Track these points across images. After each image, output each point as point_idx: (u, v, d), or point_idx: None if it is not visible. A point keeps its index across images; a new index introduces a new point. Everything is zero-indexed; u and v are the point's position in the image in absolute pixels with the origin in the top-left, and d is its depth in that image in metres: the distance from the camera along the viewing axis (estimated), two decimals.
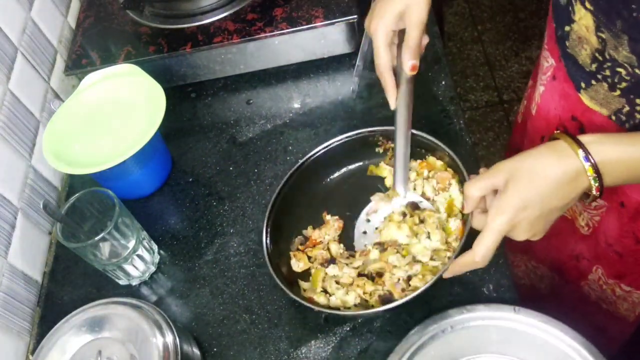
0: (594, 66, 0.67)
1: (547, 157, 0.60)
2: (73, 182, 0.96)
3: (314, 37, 0.96)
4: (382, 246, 0.75)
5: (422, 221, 0.76)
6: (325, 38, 0.96)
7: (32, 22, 0.96)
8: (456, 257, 0.66)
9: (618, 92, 0.66)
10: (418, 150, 0.82)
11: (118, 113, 0.87)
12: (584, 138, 0.59)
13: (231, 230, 0.86)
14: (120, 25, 1.02)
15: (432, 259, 0.74)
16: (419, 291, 0.68)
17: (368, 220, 0.81)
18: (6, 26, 0.88)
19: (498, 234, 0.61)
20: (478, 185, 0.63)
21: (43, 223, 0.90)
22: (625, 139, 0.59)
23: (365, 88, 0.97)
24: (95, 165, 0.80)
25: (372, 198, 0.82)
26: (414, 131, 0.80)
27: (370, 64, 0.98)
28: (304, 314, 0.77)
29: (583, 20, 0.64)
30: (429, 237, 0.74)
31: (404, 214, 0.78)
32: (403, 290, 0.72)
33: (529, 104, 0.91)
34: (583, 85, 0.71)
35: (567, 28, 0.68)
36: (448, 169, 0.80)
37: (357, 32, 0.97)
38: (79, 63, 0.98)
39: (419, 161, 0.82)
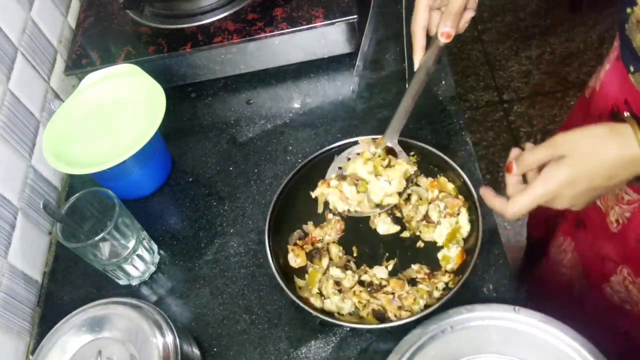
0: None
1: (608, 140, 0.60)
2: (73, 182, 0.96)
3: (314, 37, 0.96)
4: (342, 178, 0.78)
5: (390, 166, 0.78)
6: (325, 38, 0.96)
7: (32, 22, 0.96)
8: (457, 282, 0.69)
9: None
10: (431, 168, 0.83)
11: (118, 113, 0.87)
12: None
13: (231, 230, 0.86)
14: (120, 25, 1.02)
15: (390, 214, 0.78)
16: (412, 318, 0.68)
17: (348, 159, 0.82)
18: (6, 26, 0.88)
19: (538, 200, 0.62)
20: (538, 156, 0.63)
21: (43, 223, 0.90)
22: None
23: (365, 88, 0.97)
24: (95, 165, 0.80)
25: (359, 140, 0.82)
26: (430, 148, 0.81)
27: (370, 64, 0.98)
28: (304, 314, 0.77)
29: None
30: (390, 183, 0.76)
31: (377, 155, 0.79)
32: (399, 308, 0.72)
33: (595, 81, 0.91)
34: (632, 69, 0.70)
35: (628, 10, 0.68)
36: (459, 196, 0.80)
37: (357, 32, 0.97)
38: (79, 63, 0.98)
39: (430, 179, 0.82)
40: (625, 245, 0.86)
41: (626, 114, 0.62)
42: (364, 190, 0.76)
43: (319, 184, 0.80)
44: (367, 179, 0.77)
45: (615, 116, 0.79)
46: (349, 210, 0.78)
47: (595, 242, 0.94)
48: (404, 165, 0.78)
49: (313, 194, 0.80)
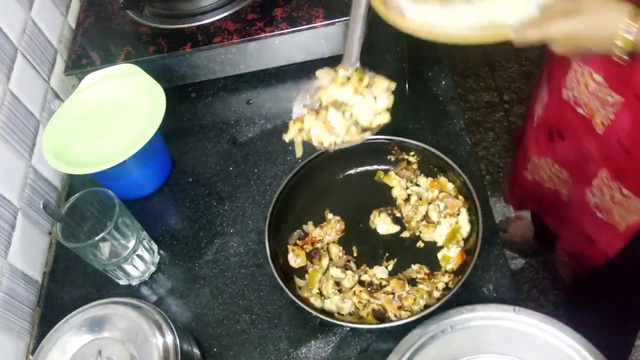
0: None
1: (619, 12, 0.65)
2: (73, 182, 0.96)
3: (314, 37, 0.96)
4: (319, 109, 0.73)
5: (369, 85, 0.74)
6: (325, 38, 0.96)
7: (32, 22, 0.96)
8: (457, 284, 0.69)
9: None
10: (431, 168, 0.83)
11: (118, 113, 0.87)
12: None
13: (231, 230, 0.86)
14: (120, 25, 1.02)
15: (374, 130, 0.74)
16: (412, 318, 0.68)
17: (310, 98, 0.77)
18: (6, 26, 0.88)
19: (541, 37, 0.70)
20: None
21: (43, 223, 0.90)
22: None
23: None
24: (95, 165, 0.79)
25: (317, 73, 0.77)
26: (430, 148, 0.80)
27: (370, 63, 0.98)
28: (304, 314, 0.77)
29: None
30: (376, 99, 0.73)
31: (349, 78, 0.74)
32: (399, 307, 0.72)
33: None
34: None
35: None
36: (459, 196, 0.80)
37: None
38: (79, 63, 0.98)
39: (430, 179, 0.82)
40: (608, 145, 0.90)
41: None
42: (350, 114, 0.71)
43: (291, 123, 0.74)
44: (351, 102, 0.72)
45: None
46: (336, 143, 0.72)
47: (579, 145, 0.99)
48: (385, 79, 0.74)
49: (286, 137, 0.74)
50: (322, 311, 0.74)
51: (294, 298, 0.71)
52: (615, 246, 1.04)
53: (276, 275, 0.73)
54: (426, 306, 0.72)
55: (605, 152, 0.92)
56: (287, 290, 0.72)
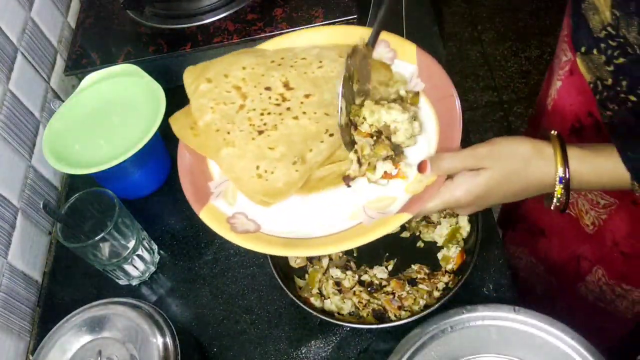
0: (603, 33, 0.66)
1: (532, 162, 0.59)
2: (73, 182, 0.96)
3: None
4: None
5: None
6: None
7: (32, 22, 0.96)
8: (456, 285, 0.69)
9: (612, 68, 0.67)
10: None
11: (118, 113, 0.87)
12: (571, 151, 0.58)
13: None
14: (120, 25, 1.02)
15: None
16: (413, 318, 0.68)
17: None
18: (6, 26, 0.88)
19: (447, 205, 0.62)
20: (456, 164, 0.61)
21: (43, 223, 0.90)
22: (602, 153, 0.59)
23: None
24: (95, 165, 0.79)
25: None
26: None
27: None
28: (304, 314, 0.77)
29: None
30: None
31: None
32: (399, 307, 0.72)
33: (544, 99, 0.91)
34: (583, 49, 0.70)
35: None
36: None
37: None
38: (79, 63, 0.98)
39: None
40: (601, 246, 0.87)
41: (553, 132, 0.61)
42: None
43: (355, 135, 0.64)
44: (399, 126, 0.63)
45: (577, 132, 0.79)
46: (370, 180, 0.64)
47: (566, 245, 0.94)
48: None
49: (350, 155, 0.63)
50: (322, 311, 0.74)
51: (294, 298, 0.71)
52: (627, 329, 0.99)
53: (276, 275, 0.73)
54: (426, 306, 0.72)
55: (599, 253, 0.88)
56: (287, 290, 0.72)
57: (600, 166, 0.59)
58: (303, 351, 0.75)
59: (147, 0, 1.00)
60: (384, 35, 0.71)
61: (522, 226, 1.04)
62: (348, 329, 0.75)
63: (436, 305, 0.68)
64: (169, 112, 0.83)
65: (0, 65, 0.86)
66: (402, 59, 0.71)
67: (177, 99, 1.00)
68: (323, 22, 0.93)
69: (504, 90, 2.15)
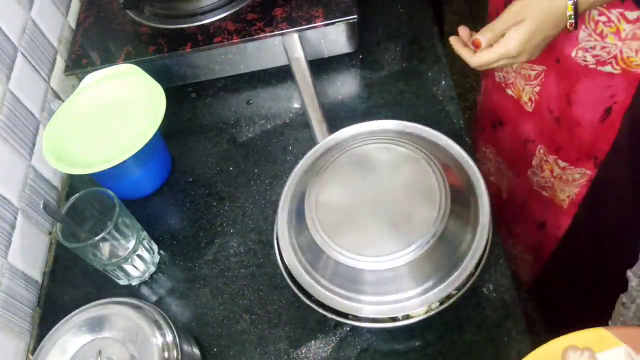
0: None
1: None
2: (73, 182, 0.96)
3: (314, 37, 0.96)
4: None
5: None
6: (325, 38, 0.96)
7: (32, 22, 0.96)
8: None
9: None
10: None
11: (118, 113, 0.87)
12: None
13: (231, 230, 0.86)
14: (120, 25, 1.02)
15: None
16: (413, 320, 0.67)
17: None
18: (6, 26, 0.88)
19: (503, 54, 0.75)
20: (503, 24, 0.75)
21: (43, 223, 0.90)
22: None
23: (365, 88, 0.97)
24: (95, 165, 0.80)
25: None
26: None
27: (370, 64, 0.98)
28: (304, 314, 0.77)
29: None
30: None
31: None
32: None
33: None
34: None
35: None
36: None
37: (357, 32, 0.97)
38: (79, 63, 0.98)
39: None
40: (540, 119, 0.96)
41: None
42: None
43: None
44: None
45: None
46: None
47: (515, 129, 1.05)
48: None
49: None
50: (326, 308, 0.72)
51: (307, 300, 0.70)
52: (563, 225, 1.09)
53: (285, 275, 0.72)
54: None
55: (539, 127, 0.98)
56: (297, 290, 0.70)
57: None
58: (303, 351, 0.75)
59: (147, 0, 1.00)
60: None
61: (488, 122, 1.15)
62: (348, 328, 0.75)
63: (439, 308, 0.68)
64: (169, 112, 0.84)
65: (0, 65, 0.86)
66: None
67: (177, 99, 1.00)
68: (323, 22, 0.93)
69: None
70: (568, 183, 1.02)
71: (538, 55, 0.77)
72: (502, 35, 0.75)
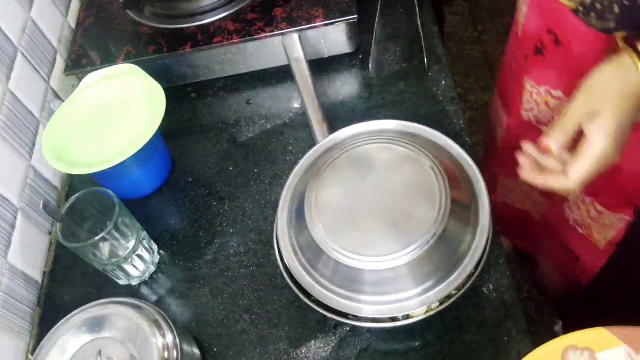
0: None
1: (626, 76, 0.61)
2: (73, 182, 0.96)
3: (314, 37, 0.96)
4: None
5: None
6: (325, 38, 0.96)
7: (32, 22, 0.96)
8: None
9: None
10: None
11: (118, 113, 0.87)
12: None
13: (231, 230, 0.86)
14: (120, 25, 1.02)
15: None
16: (413, 319, 0.67)
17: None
18: (6, 26, 0.88)
19: (600, 159, 0.62)
20: (573, 119, 0.63)
21: (43, 223, 0.90)
22: None
23: (365, 88, 0.97)
24: (95, 165, 0.80)
25: None
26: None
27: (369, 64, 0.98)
28: (304, 314, 0.77)
29: None
30: None
31: None
32: None
33: (515, 29, 0.94)
34: None
35: None
36: None
37: (358, 32, 0.97)
38: (79, 63, 0.98)
39: None
40: None
41: (620, 44, 0.61)
42: None
43: None
44: None
45: (539, 51, 0.81)
46: None
47: None
48: None
49: None
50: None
51: (307, 300, 0.70)
52: (599, 263, 1.03)
53: (285, 275, 0.72)
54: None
55: None
56: (295, 289, 0.70)
57: None
58: (303, 351, 0.75)
59: (147, 0, 1.00)
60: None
61: (510, 148, 1.08)
62: (348, 328, 0.75)
63: (439, 308, 0.68)
64: (169, 112, 0.84)
65: (0, 65, 0.86)
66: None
67: (177, 99, 1.00)
68: (323, 22, 0.93)
69: None
70: (605, 227, 0.96)
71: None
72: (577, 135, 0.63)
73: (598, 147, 0.61)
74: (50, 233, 0.92)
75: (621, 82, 0.60)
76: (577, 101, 0.63)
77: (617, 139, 0.62)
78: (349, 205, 0.70)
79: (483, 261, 0.68)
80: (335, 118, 0.94)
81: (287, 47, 0.87)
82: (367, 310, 0.67)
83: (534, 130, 0.93)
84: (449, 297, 0.67)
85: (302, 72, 0.85)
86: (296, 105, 0.98)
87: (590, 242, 1.02)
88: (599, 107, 0.61)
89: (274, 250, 0.74)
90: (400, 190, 0.70)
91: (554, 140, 0.64)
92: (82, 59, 0.99)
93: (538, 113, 0.92)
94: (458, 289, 0.67)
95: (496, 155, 1.17)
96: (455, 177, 0.71)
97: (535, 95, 0.90)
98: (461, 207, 0.69)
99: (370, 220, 0.69)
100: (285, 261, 0.72)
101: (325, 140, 0.80)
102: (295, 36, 0.87)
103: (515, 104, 0.97)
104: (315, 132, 0.84)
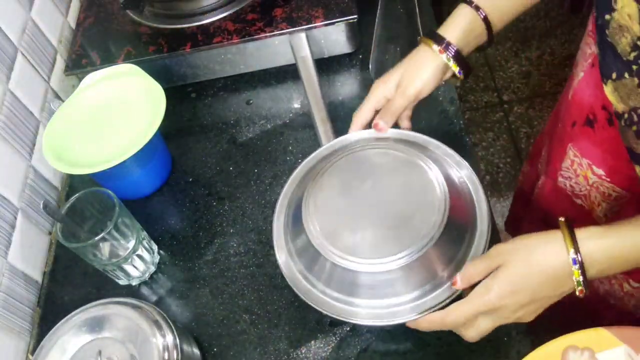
0: (632, 55, 0.64)
1: (545, 250, 0.59)
2: (73, 182, 0.96)
3: (314, 37, 0.96)
4: None
5: None
6: (325, 38, 0.96)
7: (32, 22, 0.96)
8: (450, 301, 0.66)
9: None
10: None
11: (118, 113, 0.87)
12: (580, 234, 0.58)
13: (231, 230, 0.86)
14: (120, 25, 1.02)
15: None
16: (412, 317, 0.66)
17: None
18: (6, 26, 0.88)
19: (477, 308, 0.61)
20: (477, 269, 0.63)
21: (43, 223, 0.90)
22: (614, 233, 0.58)
23: (364, 88, 0.97)
24: (95, 165, 0.80)
25: None
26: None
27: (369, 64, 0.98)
28: (304, 314, 0.77)
29: (626, 9, 0.62)
30: None
31: None
32: None
33: (567, 91, 0.90)
34: (614, 76, 0.68)
35: (607, 17, 0.66)
36: None
37: (357, 32, 0.97)
38: (79, 63, 0.98)
39: None
40: None
41: (561, 219, 0.60)
42: None
43: None
44: None
45: (590, 123, 0.78)
46: None
47: None
48: None
49: None
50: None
51: (307, 301, 0.69)
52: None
53: (285, 274, 0.72)
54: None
55: None
56: (296, 290, 0.70)
57: (618, 242, 0.58)
58: (303, 351, 0.75)
59: (147, 0, 1.00)
60: None
61: (536, 217, 1.03)
62: (348, 328, 0.75)
63: (437, 305, 0.68)
64: (169, 112, 0.84)
65: (1, 65, 0.86)
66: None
67: (177, 99, 1.01)
68: (323, 22, 0.93)
69: (504, 90, 2.15)
70: None
71: (533, 317, 0.63)
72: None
73: (478, 299, 0.61)
74: (50, 233, 0.92)
75: (554, 258, 0.58)
76: (490, 251, 0.62)
77: (511, 302, 0.60)
78: (347, 209, 0.70)
79: None
80: (335, 118, 0.94)
81: (294, 45, 0.87)
82: (363, 314, 0.67)
83: (566, 200, 0.91)
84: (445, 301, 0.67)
85: (308, 70, 0.86)
86: (296, 105, 0.98)
87: (625, 311, 0.96)
88: (502, 262, 0.60)
89: (273, 250, 0.74)
90: (398, 195, 0.70)
91: (460, 283, 0.64)
92: (82, 59, 0.99)
93: (575, 184, 0.88)
94: (454, 294, 0.67)
95: (527, 202, 1.13)
96: (454, 183, 0.71)
97: (576, 165, 0.86)
98: (460, 213, 0.69)
99: (368, 223, 0.68)
100: (282, 267, 0.72)
101: (323, 147, 0.80)
102: (303, 35, 0.87)
103: (554, 166, 0.93)
104: (318, 130, 0.83)
